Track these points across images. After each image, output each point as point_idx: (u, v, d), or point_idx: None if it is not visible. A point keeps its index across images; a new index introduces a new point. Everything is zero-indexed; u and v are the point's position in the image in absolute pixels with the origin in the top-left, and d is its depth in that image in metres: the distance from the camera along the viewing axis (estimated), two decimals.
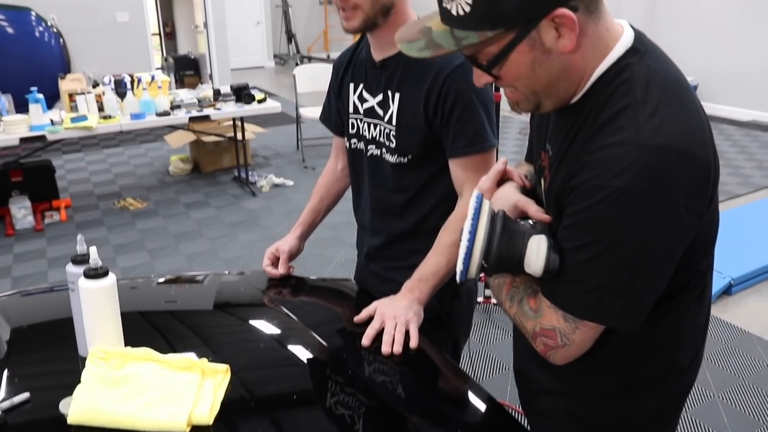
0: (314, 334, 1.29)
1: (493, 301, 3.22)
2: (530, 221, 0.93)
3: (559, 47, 0.81)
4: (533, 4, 0.78)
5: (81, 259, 1.17)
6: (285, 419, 1.05)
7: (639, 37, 0.87)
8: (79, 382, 1.03)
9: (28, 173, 4.49)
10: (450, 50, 0.82)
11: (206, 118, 4.57)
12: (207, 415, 0.99)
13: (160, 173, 5.60)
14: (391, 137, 1.40)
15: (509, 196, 1.00)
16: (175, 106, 4.55)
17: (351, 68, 1.49)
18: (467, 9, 0.79)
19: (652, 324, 0.90)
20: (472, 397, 1.13)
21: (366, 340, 1.23)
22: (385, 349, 1.21)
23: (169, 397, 1.01)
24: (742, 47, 6.76)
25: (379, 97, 1.41)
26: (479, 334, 3.03)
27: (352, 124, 1.50)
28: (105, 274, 1.11)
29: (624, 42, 0.85)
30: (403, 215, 1.48)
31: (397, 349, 1.21)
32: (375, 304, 1.31)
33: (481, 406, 1.11)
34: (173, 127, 5.18)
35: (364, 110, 1.45)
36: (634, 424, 1.05)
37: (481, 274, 0.91)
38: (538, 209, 0.96)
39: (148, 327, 1.35)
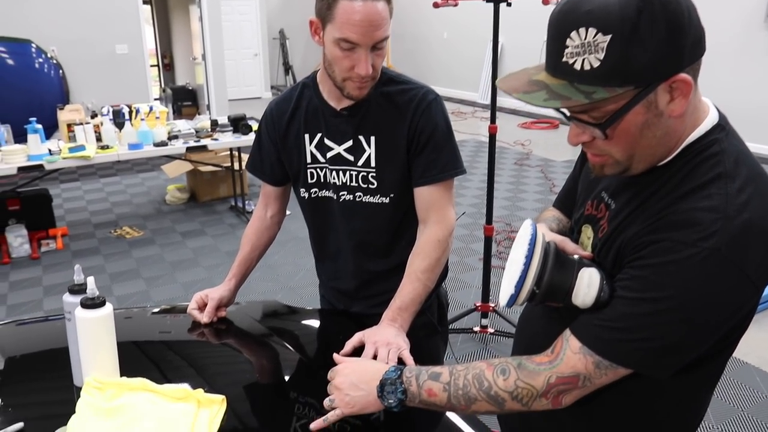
0: (309, 364, 1.29)
1: (490, 330, 3.21)
2: (575, 256, 0.95)
3: (668, 111, 0.83)
4: (661, 65, 0.79)
5: (78, 289, 1.17)
6: None
7: (722, 116, 0.91)
8: (74, 412, 1.03)
9: (25, 202, 4.50)
10: (580, 103, 0.81)
11: (203, 148, 4.60)
12: None
13: (156, 202, 5.61)
14: (370, 179, 1.44)
15: (545, 234, 1.02)
16: (172, 137, 4.59)
17: (298, 119, 1.47)
18: (595, 64, 0.79)
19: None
20: (464, 426, 1.13)
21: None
22: None
23: (164, 427, 1.01)
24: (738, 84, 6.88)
25: (348, 143, 1.42)
26: None
27: (311, 173, 1.48)
28: (102, 303, 1.12)
29: (712, 117, 0.89)
30: (390, 253, 1.51)
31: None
32: (360, 335, 1.32)
33: None
34: (170, 157, 5.21)
35: (329, 158, 1.45)
36: None
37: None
38: (577, 247, 0.99)
39: (143, 357, 1.35)
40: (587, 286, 0.88)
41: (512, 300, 0.91)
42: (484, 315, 3.23)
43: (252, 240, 1.60)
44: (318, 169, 1.48)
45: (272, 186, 1.59)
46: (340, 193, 1.47)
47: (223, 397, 1.10)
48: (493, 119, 2.96)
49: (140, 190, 6.00)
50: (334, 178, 1.47)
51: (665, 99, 0.82)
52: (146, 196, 5.80)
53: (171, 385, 1.10)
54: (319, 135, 1.45)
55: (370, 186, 1.44)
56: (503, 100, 8.84)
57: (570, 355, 0.90)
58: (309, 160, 1.48)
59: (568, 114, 0.87)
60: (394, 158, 1.42)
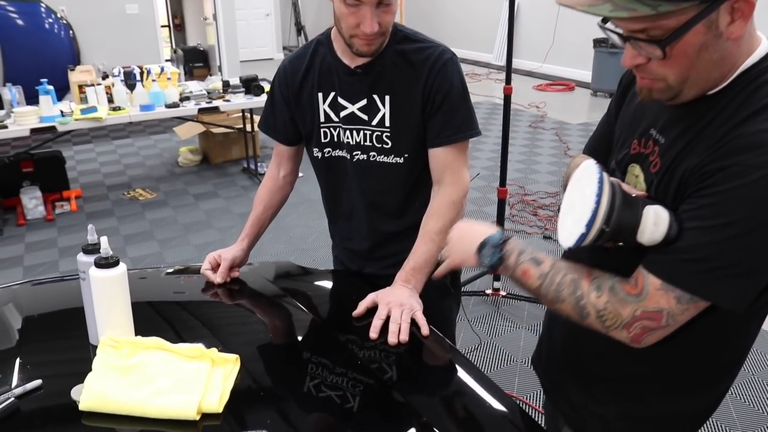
0: (323, 325, 1.29)
1: (502, 293, 3.21)
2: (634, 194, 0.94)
3: (727, 33, 0.82)
4: None
5: (92, 249, 1.18)
6: (294, 409, 1.05)
7: None
8: (90, 370, 1.04)
9: (38, 164, 4.52)
10: (645, 14, 0.80)
11: (215, 109, 4.57)
12: (217, 403, 0.99)
13: (169, 164, 5.62)
14: (384, 139, 1.42)
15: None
16: (184, 98, 4.56)
17: (312, 77, 1.45)
18: None
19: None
20: (478, 387, 1.13)
21: (374, 332, 1.23)
22: (392, 339, 1.21)
23: (179, 385, 1.02)
24: None
25: (362, 102, 1.40)
26: (487, 327, 3.03)
27: (325, 133, 1.47)
28: (116, 263, 1.12)
29: (765, 45, 0.88)
30: (403, 214, 1.50)
31: (404, 338, 1.22)
32: (373, 295, 1.32)
33: (488, 397, 1.11)
34: (182, 119, 5.19)
35: (343, 118, 1.43)
36: (678, 421, 1.06)
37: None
38: (630, 187, 0.98)
39: (158, 317, 1.36)
40: (653, 223, 0.88)
41: (581, 239, 0.90)
42: (497, 278, 3.23)
43: (265, 200, 1.59)
44: (332, 129, 1.46)
45: (285, 146, 1.57)
46: (354, 153, 1.45)
47: (237, 356, 1.10)
48: (508, 80, 2.91)
49: (153, 152, 6.01)
50: (347, 138, 1.45)
51: (726, 20, 0.81)
52: (159, 158, 5.81)
53: (185, 345, 1.11)
54: (332, 94, 1.43)
55: (384, 146, 1.42)
56: (519, 62, 8.69)
57: (652, 291, 0.89)
58: (322, 119, 1.46)
59: (624, 34, 0.86)
60: (409, 118, 1.39)
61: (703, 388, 1.04)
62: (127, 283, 1.14)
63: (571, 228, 0.93)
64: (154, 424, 0.97)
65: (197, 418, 0.97)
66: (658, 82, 0.88)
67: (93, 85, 4.30)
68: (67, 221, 4.34)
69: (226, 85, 4.79)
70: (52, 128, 4.03)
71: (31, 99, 4.28)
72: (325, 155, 1.50)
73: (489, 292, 3.24)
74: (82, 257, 1.18)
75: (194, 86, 4.83)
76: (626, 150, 1.05)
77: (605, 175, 0.91)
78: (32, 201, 4.34)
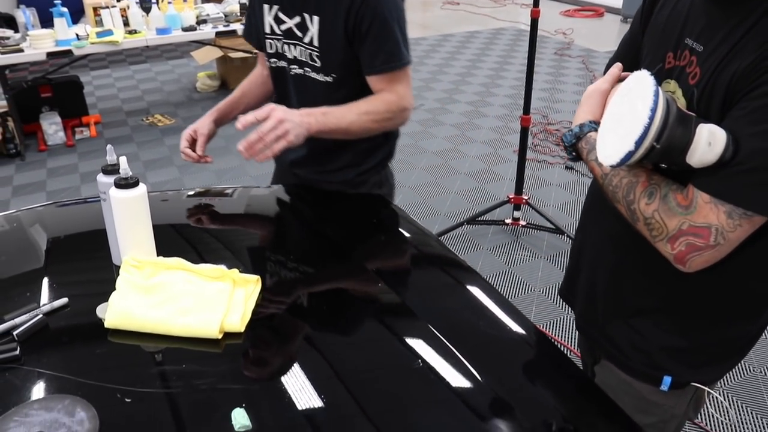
0: (344, 248, 1.29)
1: (522, 223, 3.20)
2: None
3: None
4: None
5: (111, 169, 1.17)
6: (315, 330, 1.06)
7: None
8: (114, 289, 1.06)
9: (57, 89, 4.49)
10: None
11: (233, 33, 4.47)
12: (239, 322, 1.00)
13: (187, 90, 5.56)
14: (314, 57, 1.46)
15: None
16: (201, 21, 4.46)
17: None
18: None
19: None
20: (497, 309, 1.13)
21: (240, 123, 1.28)
22: (239, 146, 1.27)
23: (201, 304, 1.03)
24: None
25: (297, 19, 1.45)
26: (506, 256, 3.03)
27: (270, 44, 1.53)
28: (135, 183, 1.11)
29: None
30: None
31: (265, 154, 1.28)
32: (271, 106, 1.34)
33: (507, 319, 1.11)
34: (199, 43, 5.09)
35: (283, 31, 1.48)
36: (720, 353, 1.04)
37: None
38: (680, 105, 0.91)
39: (179, 238, 1.37)
40: (707, 143, 0.80)
41: (628, 157, 0.84)
42: (517, 207, 3.21)
43: (244, 87, 1.69)
44: (275, 41, 1.52)
45: (259, 50, 1.63)
46: (292, 67, 1.52)
47: (258, 277, 1.11)
48: (536, 2, 2.78)
49: (170, 78, 5.94)
50: (287, 52, 1.51)
51: None
52: (177, 84, 5.75)
53: (207, 265, 1.11)
54: (276, 7, 1.49)
55: (315, 64, 1.47)
56: None
57: (702, 204, 0.83)
58: (267, 30, 1.52)
59: None
60: (335, 41, 1.41)
61: (746, 320, 1.01)
62: (147, 203, 1.14)
63: (617, 144, 0.86)
64: (178, 342, 0.99)
65: (219, 336, 0.99)
66: None
67: (108, 7, 4.21)
68: (88, 147, 4.36)
69: (243, 8, 4.66)
70: (69, 52, 3.98)
71: (46, 22, 4.21)
72: (272, 65, 1.57)
73: (509, 221, 3.22)
74: (102, 178, 1.17)
75: (211, 9, 4.71)
76: (659, 65, 0.98)
77: (661, 89, 0.83)
78: (52, 126, 4.35)
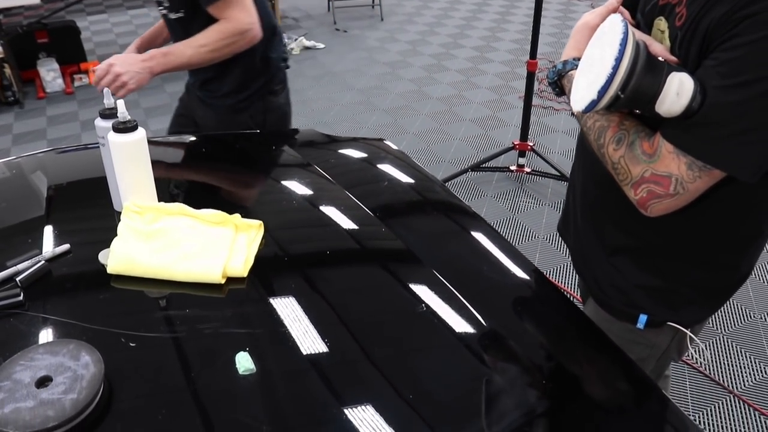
0: (348, 194, 1.28)
1: (527, 169, 3.17)
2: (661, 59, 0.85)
3: None
4: None
5: (109, 113, 1.15)
6: (318, 276, 1.06)
7: None
8: (116, 235, 1.05)
9: (53, 34, 4.40)
10: None
11: None
12: (242, 267, 1.00)
13: None
14: None
15: (635, 32, 0.92)
16: None
17: None
18: None
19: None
20: (501, 254, 1.13)
21: (98, 86, 1.44)
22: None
23: (203, 249, 1.02)
24: None
25: None
26: (510, 203, 3.01)
27: None
28: (134, 127, 1.09)
29: None
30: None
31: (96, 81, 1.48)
32: (115, 58, 1.51)
33: (511, 264, 1.10)
34: None
35: None
36: (695, 296, 1.03)
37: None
38: (664, 48, 0.89)
39: (181, 183, 1.35)
40: (676, 93, 0.79)
41: (592, 105, 0.83)
42: (522, 154, 3.17)
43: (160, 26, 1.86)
44: None
45: None
46: (161, 9, 1.68)
47: (260, 222, 1.10)
48: None
49: None
50: None
51: None
52: None
53: (209, 210, 1.10)
54: None
55: (166, 3, 1.62)
56: None
57: (665, 153, 0.84)
58: None
59: None
60: None
61: (720, 264, 1.00)
62: (147, 148, 1.12)
63: (583, 91, 0.85)
64: (181, 287, 0.98)
65: (222, 281, 0.98)
66: None
67: None
68: (87, 94, 4.29)
69: None
70: None
71: None
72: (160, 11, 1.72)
73: (513, 168, 3.19)
74: (99, 122, 1.15)
75: None
76: (653, 1, 0.94)
77: (631, 33, 0.81)
78: (50, 73, 4.28)
